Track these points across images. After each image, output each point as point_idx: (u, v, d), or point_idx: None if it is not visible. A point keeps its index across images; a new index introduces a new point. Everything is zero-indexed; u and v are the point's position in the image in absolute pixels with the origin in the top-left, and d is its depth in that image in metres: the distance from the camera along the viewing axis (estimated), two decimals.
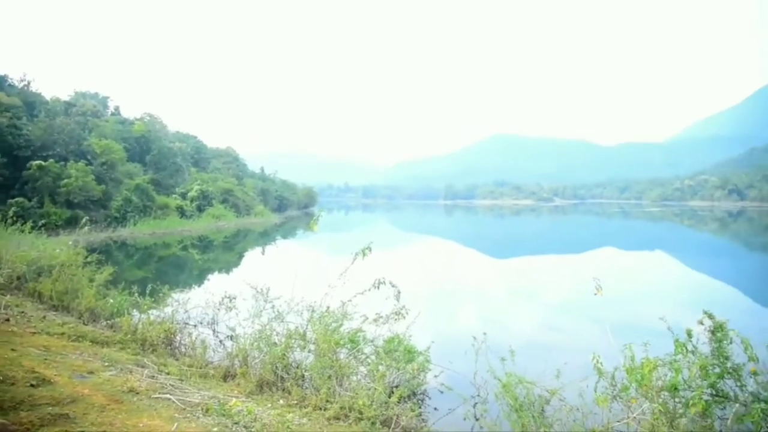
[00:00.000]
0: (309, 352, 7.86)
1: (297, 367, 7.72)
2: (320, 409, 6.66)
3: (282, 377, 7.52)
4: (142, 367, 7.54)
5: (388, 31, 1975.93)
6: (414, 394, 7.97)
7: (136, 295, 10.91)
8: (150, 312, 10.20)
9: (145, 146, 64.10)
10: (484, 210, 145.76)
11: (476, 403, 7.23)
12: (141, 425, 5.16)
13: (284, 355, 7.63)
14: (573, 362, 6.82)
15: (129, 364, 7.55)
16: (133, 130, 66.60)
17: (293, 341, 7.85)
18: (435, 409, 7.93)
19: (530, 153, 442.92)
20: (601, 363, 5.66)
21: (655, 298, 20.43)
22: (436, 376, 8.02)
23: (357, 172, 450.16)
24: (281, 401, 6.99)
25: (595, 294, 6.22)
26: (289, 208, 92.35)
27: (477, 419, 6.76)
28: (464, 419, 6.98)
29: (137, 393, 6.15)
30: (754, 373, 5.00)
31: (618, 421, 5.57)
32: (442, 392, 8.08)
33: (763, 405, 4.66)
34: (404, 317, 7.95)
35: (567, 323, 15.96)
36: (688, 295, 21.59)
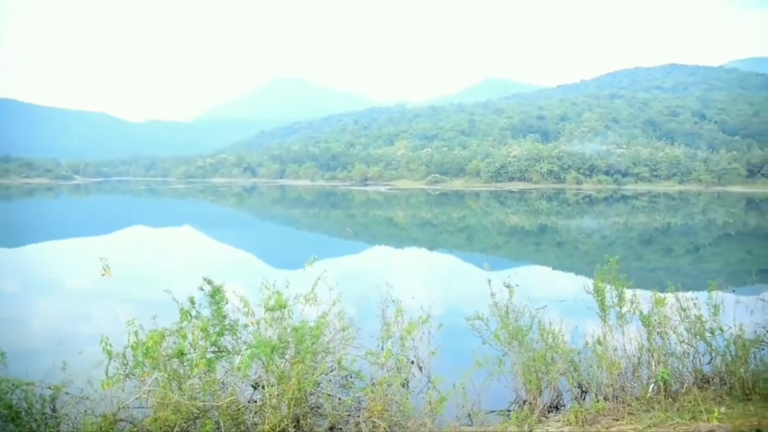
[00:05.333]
0: None
1: None
2: None
3: None
4: None
5: None
6: None
7: None
8: None
9: None
10: None
11: None
12: None
13: None
14: (93, 350, 6.45)
15: None
16: None
17: None
18: None
19: (45, 125, 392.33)
20: (110, 345, 5.52)
21: (184, 272, 21.27)
22: None
23: None
24: None
25: (103, 275, 6.01)
26: None
27: None
28: None
29: None
30: (246, 326, 5.79)
31: (133, 399, 5.57)
32: None
33: (252, 350, 5.43)
34: None
35: (93, 310, 15.05)
36: (213, 266, 23.29)
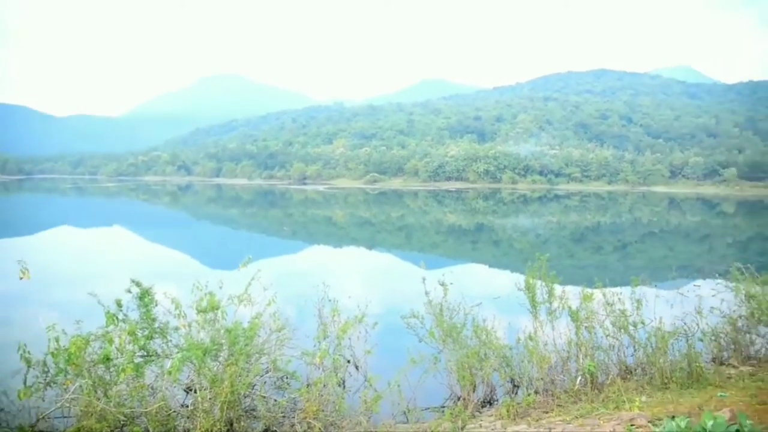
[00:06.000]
0: None
1: None
2: None
3: None
4: None
5: None
6: None
7: None
8: None
9: None
10: None
11: None
12: None
13: None
14: (10, 358, 6.08)
15: None
16: None
17: None
18: None
19: None
20: (29, 352, 5.23)
21: (113, 274, 20.39)
22: None
23: None
24: None
25: (21, 278, 5.68)
26: None
27: None
28: None
29: None
30: (178, 329, 5.61)
31: (54, 408, 5.30)
32: None
33: (183, 353, 5.27)
34: None
35: (11, 316, 14.22)
36: (145, 267, 22.48)
